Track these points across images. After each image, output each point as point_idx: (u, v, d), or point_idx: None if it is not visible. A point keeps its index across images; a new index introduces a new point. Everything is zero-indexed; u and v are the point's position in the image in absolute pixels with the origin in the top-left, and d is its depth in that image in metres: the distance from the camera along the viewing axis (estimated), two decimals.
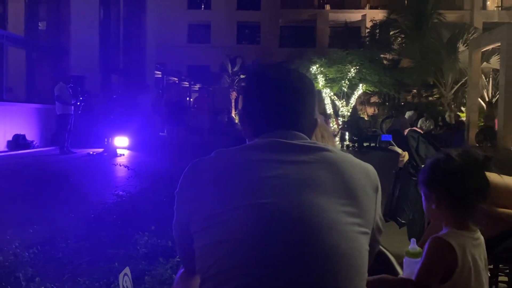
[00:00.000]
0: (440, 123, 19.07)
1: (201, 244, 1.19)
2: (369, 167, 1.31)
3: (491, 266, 2.83)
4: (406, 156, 4.24)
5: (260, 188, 1.18)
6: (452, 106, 22.43)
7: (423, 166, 2.10)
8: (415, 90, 25.00)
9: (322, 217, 1.16)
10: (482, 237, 1.69)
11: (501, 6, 29.80)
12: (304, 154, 1.24)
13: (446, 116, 20.83)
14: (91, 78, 13.72)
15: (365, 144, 17.88)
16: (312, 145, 1.27)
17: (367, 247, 1.22)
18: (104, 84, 15.55)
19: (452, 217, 1.64)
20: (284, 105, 1.32)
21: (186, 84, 26.83)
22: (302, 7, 32.44)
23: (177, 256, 2.69)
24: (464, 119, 20.16)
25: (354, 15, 31.94)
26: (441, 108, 22.28)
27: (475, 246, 1.63)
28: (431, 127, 17.79)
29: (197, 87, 25.24)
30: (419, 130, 4.99)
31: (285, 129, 1.30)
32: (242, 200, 1.17)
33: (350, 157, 1.30)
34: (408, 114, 15.82)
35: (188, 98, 25.50)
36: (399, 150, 4.35)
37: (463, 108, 22.13)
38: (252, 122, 1.36)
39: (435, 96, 24.75)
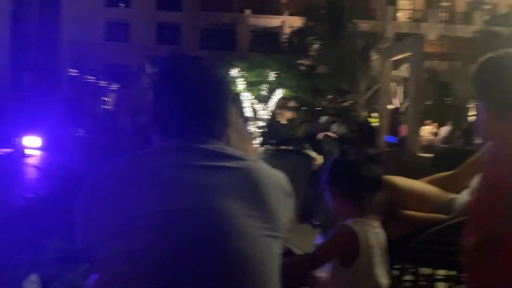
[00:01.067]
0: (353, 128, 19.76)
1: (106, 255, 1.13)
2: (279, 174, 1.31)
3: (399, 266, 2.97)
4: (319, 159, 4.37)
5: (168, 195, 1.15)
6: (365, 111, 23.38)
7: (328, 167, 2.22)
8: (331, 96, 25.76)
9: (230, 223, 1.14)
10: (381, 230, 1.92)
11: (412, 18, 31.46)
12: (215, 160, 1.21)
13: (360, 120, 21.66)
14: (0, 75, 12.96)
15: (282, 147, 18.15)
16: (223, 151, 1.25)
17: (278, 251, 1.22)
18: (14, 82, 14.75)
19: (354, 207, 1.86)
20: (195, 106, 1.27)
21: (103, 83, 26.02)
22: (223, 10, 32.51)
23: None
24: (375, 124, 21.07)
25: (274, 21, 32.46)
26: (354, 113, 23.13)
27: (375, 234, 1.85)
28: (345, 132, 18.42)
29: (114, 86, 24.54)
30: (333, 134, 5.17)
31: (196, 132, 1.26)
32: (149, 208, 1.13)
33: (261, 163, 1.30)
34: (323, 119, 16.28)
35: (104, 98, 24.73)
36: (313, 154, 4.48)
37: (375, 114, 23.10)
38: (161, 123, 1.30)
39: (349, 101, 25.65)
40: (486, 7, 30.89)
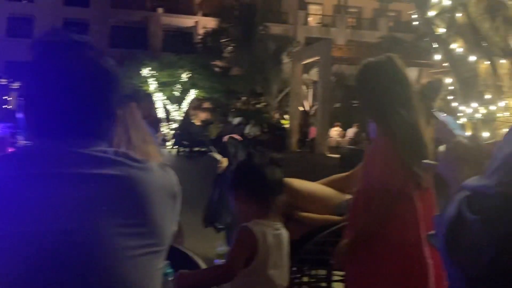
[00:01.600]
0: (265, 130, 20.05)
1: None
2: (168, 176, 1.16)
3: (296, 268, 3.00)
4: (224, 162, 4.35)
5: (31, 212, 0.98)
6: (277, 113, 23.79)
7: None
8: (244, 98, 25.93)
9: (101, 246, 1.00)
10: (284, 230, 1.97)
11: (321, 23, 32.42)
12: (90, 167, 1.03)
13: (272, 122, 22.01)
14: None
15: (196, 149, 18.06)
16: (103, 156, 1.06)
17: (160, 266, 1.11)
18: None
19: (257, 209, 1.90)
20: (71, 100, 1.08)
21: (3, 81, 24.48)
22: (134, 8, 31.75)
23: None
24: (286, 126, 21.49)
25: (187, 21, 32.16)
26: (267, 115, 23.45)
27: (275, 236, 1.90)
28: (258, 133, 18.64)
29: (16, 85, 23.18)
30: (238, 137, 5.17)
31: (72, 131, 1.07)
32: (10, 228, 0.96)
33: (150, 168, 1.13)
34: (236, 120, 16.37)
35: (5, 97, 23.27)
36: (218, 156, 4.45)
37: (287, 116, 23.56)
38: (30, 120, 1.09)
39: (262, 103, 25.95)
40: (391, 14, 32.55)
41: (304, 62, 21.04)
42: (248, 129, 17.72)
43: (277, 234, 1.92)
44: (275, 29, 25.72)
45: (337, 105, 21.94)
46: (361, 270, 2.32)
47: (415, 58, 15.72)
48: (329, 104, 19.14)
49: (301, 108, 22.36)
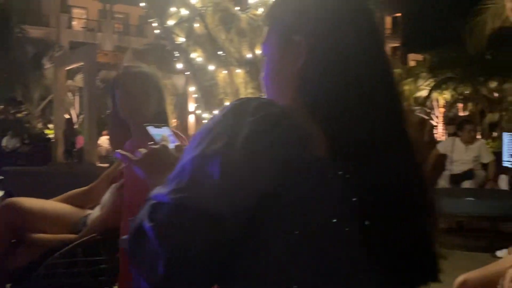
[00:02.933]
0: (27, 141, 18.52)
1: None
2: None
3: None
4: None
5: None
6: (40, 123, 22.19)
7: None
8: (2, 106, 23.64)
9: None
10: None
11: (87, 27, 31.26)
12: None
13: (35, 132, 20.43)
14: None
15: None
16: None
17: None
18: None
19: None
20: None
21: None
22: None
23: None
24: (51, 135, 20.15)
25: None
26: (28, 125, 21.72)
27: None
28: (17, 145, 17.10)
29: None
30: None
31: None
32: None
33: None
34: None
35: None
36: None
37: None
38: None
39: (23, 112, 23.98)
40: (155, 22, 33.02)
41: (68, 68, 19.92)
42: (5, 142, 16.12)
43: None
44: (35, 32, 23.96)
45: (108, 112, 21.35)
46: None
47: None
48: (97, 112, 18.48)
49: (67, 116, 21.17)
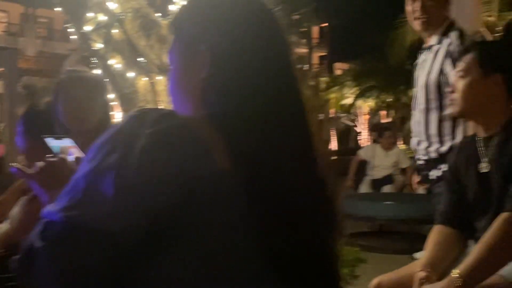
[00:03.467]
0: None
1: None
2: None
3: None
4: None
5: None
6: None
7: None
8: None
9: None
10: None
11: (8, 31, 29.92)
12: None
13: None
14: None
15: None
16: None
17: None
18: None
19: None
20: None
21: None
22: None
23: None
24: None
25: None
26: None
27: None
28: None
29: None
30: None
31: None
32: None
33: None
34: None
35: None
36: None
37: None
38: None
39: None
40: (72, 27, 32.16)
41: None
42: None
43: None
44: None
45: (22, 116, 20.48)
46: None
47: None
48: (17, 119, 17.72)
49: None
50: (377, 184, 7.06)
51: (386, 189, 6.96)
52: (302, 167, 0.94)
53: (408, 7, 2.63)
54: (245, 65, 0.94)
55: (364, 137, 20.86)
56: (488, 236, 1.75)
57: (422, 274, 1.84)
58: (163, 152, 0.81)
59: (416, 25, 2.64)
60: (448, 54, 2.48)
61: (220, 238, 0.84)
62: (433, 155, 2.59)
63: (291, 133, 0.94)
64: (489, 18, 11.60)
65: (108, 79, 3.81)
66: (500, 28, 11.78)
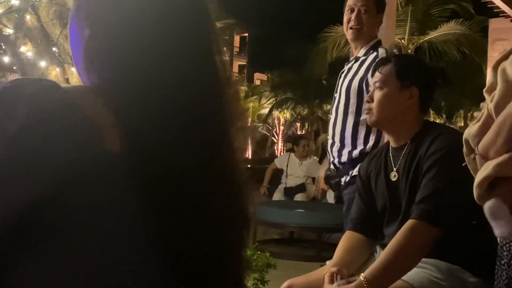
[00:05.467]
0: None
1: None
2: None
3: None
4: None
5: None
6: None
7: None
8: None
9: None
10: None
11: None
12: None
13: None
14: None
15: None
16: None
17: None
18: None
19: None
20: None
21: None
22: None
23: None
24: None
25: None
26: None
27: None
28: None
29: None
30: None
31: None
32: None
33: None
34: None
35: None
36: None
37: None
38: None
39: None
40: None
41: None
42: None
43: None
44: None
45: None
46: None
47: None
48: None
49: None
50: (290, 192, 7.18)
51: (299, 197, 7.09)
52: (209, 157, 0.80)
53: (345, 17, 2.73)
54: (134, 21, 0.78)
55: (279, 147, 21.24)
56: (394, 242, 1.81)
57: (333, 269, 1.87)
58: (38, 134, 0.68)
59: (350, 34, 2.74)
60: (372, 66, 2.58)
61: (105, 243, 0.71)
62: (344, 158, 2.66)
63: (201, 114, 0.80)
64: (402, 41, 12.30)
65: (17, 67, 3.57)
66: (410, 51, 12.52)
